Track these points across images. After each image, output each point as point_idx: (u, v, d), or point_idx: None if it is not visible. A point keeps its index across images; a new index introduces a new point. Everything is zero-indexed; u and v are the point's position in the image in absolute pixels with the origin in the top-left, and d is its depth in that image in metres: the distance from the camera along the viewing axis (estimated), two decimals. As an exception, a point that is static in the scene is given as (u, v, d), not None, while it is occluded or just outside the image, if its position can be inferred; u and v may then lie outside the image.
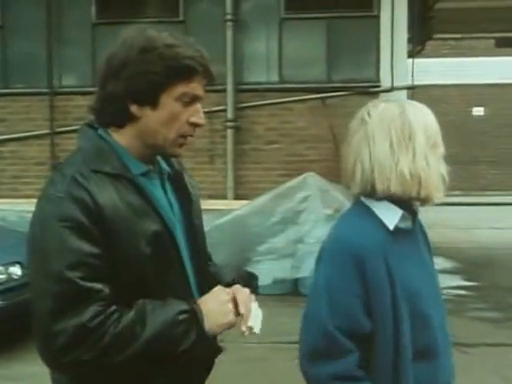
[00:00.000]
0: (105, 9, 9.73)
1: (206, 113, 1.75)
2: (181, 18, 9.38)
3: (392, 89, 8.91)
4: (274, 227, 8.17)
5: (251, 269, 8.12)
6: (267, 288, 8.04)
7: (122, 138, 1.69)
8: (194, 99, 1.67)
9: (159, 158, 1.79)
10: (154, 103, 1.63)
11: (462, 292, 8.58)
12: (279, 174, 8.95)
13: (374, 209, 1.79)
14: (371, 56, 9.10)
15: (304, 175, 8.36)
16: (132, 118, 1.66)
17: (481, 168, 21.25)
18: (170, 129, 1.66)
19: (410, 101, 1.82)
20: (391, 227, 1.77)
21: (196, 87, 1.66)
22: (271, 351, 6.05)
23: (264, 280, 8.01)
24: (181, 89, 1.64)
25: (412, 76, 10.42)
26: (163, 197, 1.74)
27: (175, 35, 1.67)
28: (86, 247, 1.56)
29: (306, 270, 7.99)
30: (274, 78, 9.35)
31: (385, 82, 9.01)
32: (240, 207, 8.43)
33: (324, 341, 1.72)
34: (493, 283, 8.79)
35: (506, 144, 20.99)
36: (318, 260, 1.81)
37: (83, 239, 1.56)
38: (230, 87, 9.13)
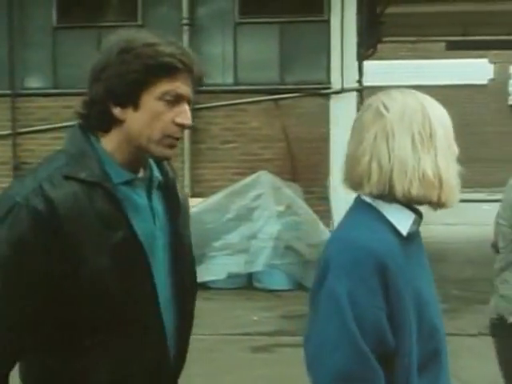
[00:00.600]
0: (65, 13, 9.79)
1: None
2: (139, 22, 9.46)
3: (342, 90, 9.11)
4: (229, 224, 8.34)
5: (207, 264, 8.28)
6: (222, 282, 8.21)
7: (109, 142, 1.62)
8: (179, 99, 1.58)
9: (153, 164, 1.71)
10: (135, 104, 1.57)
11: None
12: (234, 173, 9.10)
13: (385, 212, 1.58)
14: (322, 59, 9.29)
15: (257, 173, 8.53)
16: (116, 121, 1.59)
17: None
18: (153, 129, 1.58)
19: (423, 94, 1.62)
20: (404, 233, 1.57)
21: (180, 86, 1.57)
22: (224, 342, 6.21)
23: (219, 274, 8.18)
24: (162, 87, 1.56)
25: (361, 77, 10.67)
26: (146, 206, 1.65)
27: (157, 34, 1.60)
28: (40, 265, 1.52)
29: (260, 264, 8.19)
30: (229, 80, 9.52)
31: (335, 84, 9.19)
32: (196, 205, 8.57)
33: (359, 364, 1.48)
34: (442, 276, 9.05)
35: (461, 143, 21.30)
36: (325, 270, 1.54)
37: (35, 257, 1.50)
38: (186, 89, 9.27)
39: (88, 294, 1.54)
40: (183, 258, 1.74)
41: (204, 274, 8.20)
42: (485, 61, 21.68)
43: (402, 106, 1.55)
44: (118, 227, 1.56)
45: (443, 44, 15.83)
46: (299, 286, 8.06)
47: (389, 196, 1.55)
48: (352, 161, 1.61)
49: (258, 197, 8.41)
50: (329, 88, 9.22)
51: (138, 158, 1.64)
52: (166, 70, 1.56)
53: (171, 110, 1.58)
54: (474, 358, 5.47)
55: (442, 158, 1.55)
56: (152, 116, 1.57)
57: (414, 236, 1.62)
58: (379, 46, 18.66)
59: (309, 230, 8.38)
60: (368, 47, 11.03)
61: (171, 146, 1.62)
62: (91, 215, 1.53)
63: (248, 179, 8.51)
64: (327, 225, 8.98)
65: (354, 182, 1.61)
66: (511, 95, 22.66)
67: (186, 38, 9.32)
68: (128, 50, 1.56)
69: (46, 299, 1.53)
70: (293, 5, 9.40)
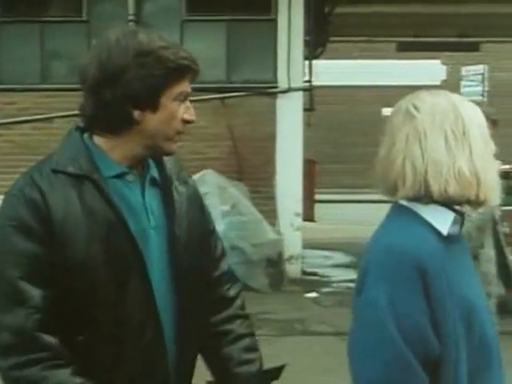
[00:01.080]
0: (10, 8, 9.52)
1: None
2: (84, 18, 9.29)
3: (289, 89, 9.03)
4: (173, 223, 8.19)
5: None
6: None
7: (109, 142, 1.64)
8: (186, 96, 1.66)
9: (151, 162, 1.73)
10: (155, 106, 1.60)
11: (354, 285, 8.81)
12: (181, 172, 8.95)
13: (422, 213, 1.54)
14: (269, 58, 9.21)
15: (202, 172, 8.38)
16: (132, 123, 1.62)
17: (392, 165, 21.72)
18: (170, 128, 1.63)
19: (454, 94, 1.62)
20: (445, 232, 1.53)
21: (187, 85, 1.65)
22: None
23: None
24: (178, 89, 1.62)
25: (311, 77, 10.60)
26: (139, 202, 1.67)
27: (161, 37, 1.65)
28: (30, 248, 1.54)
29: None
30: (176, 77, 9.35)
31: (282, 83, 9.12)
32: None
33: (400, 370, 1.44)
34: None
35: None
36: (365, 275, 1.52)
37: (28, 240, 1.54)
38: (131, 86, 9.09)
39: (79, 286, 1.55)
40: (181, 257, 1.70)
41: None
42: (438, 62, 21.92)
43: (432, 106, 1.53)
44: (107, 219, 1.58)
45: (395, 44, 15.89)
46: (244, 286, 7.91)
47: (425, 197, 1.51)
48: (385, 165, 1.56)
49: (204, 196, 8.21)
50: (275, 87, 9.16)
51: (142, 156, 1.68)
52: (184, 72, 1.63)
53: (180, 108, 1.65)
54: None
55: (478, 156, 1.51)
56: (170, 116, 1.63)
57: (456, 238, 1.58)
58: (335, 45, 18.68)
59: (254, 229, 8.32)
60: (316, 47, 10.96)
61: (175, 142, 1.69)
62: (79, 207, 1.57)
63: (193, 178, 8.34)
64: (273, 224, 8.93)
65: (388, 186, 1.57)
66: (463, 96, 22.87)
67: (131, 34, 9.13)
68: (146, 54, 1.59)
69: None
70: (240, 3, 9.30)
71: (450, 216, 1.54)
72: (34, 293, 1.53)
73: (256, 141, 9.06)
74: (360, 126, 20.64)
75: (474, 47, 15.35)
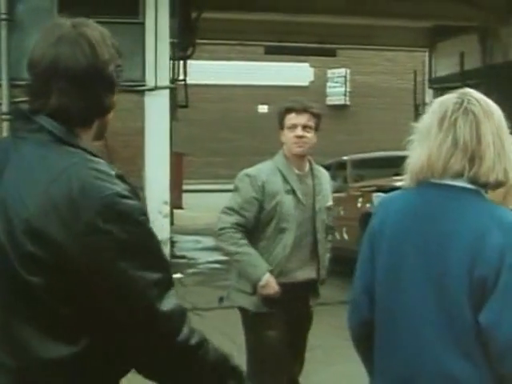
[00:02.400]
0: None
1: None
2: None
3: (155, 88, 9.34)
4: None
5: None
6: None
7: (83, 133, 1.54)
8: None
9: None
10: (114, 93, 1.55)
11: (217, 266, 9.27)
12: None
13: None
14: (138, 58, 9.42)
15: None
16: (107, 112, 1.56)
17: (266, 158, 22.48)
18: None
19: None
20: None
21: None
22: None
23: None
24: None
25: (183, 75, 10.97)
26: None
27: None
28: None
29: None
30: (49, 74, 9.44)
31: (150, 82, 9.41)
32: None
33: None
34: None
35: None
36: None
37: None
38: (4, 83, 9.13)
39: None
40: None
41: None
42: (306, 65, 22.83)
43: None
44: None
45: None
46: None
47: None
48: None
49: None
50: (143, 85, 9.41)
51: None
52: None
53: None
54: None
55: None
56: None
57: None
58: (213, 47, 19.12)
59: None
60: (184, 48, 11.32)
61: None
62: None
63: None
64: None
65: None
66: (329, 96, 24.05)
67: (4, 33, 9.16)
68: (112, 45, 1.54)
69: None
70: (110, 6, 9.47)
71: None
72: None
73: (126, 135, 9.30)
74: (235, 122, 21.25)
75: (331, 53, 16.26)
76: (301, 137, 3.21)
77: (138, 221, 1.40)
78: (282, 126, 3.29)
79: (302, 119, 3.22)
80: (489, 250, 1.58)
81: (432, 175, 1.69)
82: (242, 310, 3.31)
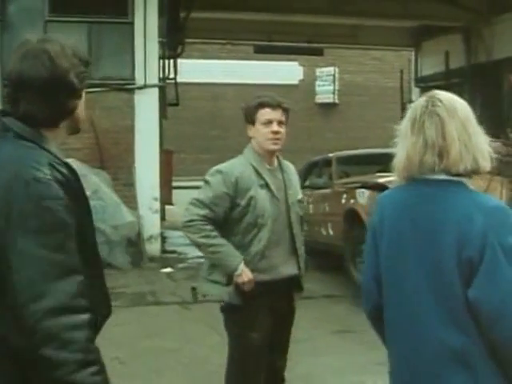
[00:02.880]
0: None
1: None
2: None
3: (145, 86, 9.41)
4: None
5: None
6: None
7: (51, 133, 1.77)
8: None
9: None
10: (80, 95, 1.79)
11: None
12: (45, 161, 9.08)
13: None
14: (127, 57, 9.52)
15: (65, 162, 8.60)
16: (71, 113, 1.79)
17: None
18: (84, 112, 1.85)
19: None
20: None
21: None
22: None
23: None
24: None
25: (174, 74, 11.02)
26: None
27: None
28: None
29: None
30: (40, 74, 9.48)
31: (139, 80, 9.48)
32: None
33: None
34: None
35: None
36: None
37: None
38: (-3, 82, 9.14)
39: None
40: None
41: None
42: (295, 64, 22.88)
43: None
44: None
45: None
46: (106, 264, 8.27)
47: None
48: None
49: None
50: (133, 84, 9.49)
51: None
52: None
53: None
54: None
55: None
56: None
57: None
58: (204, 47, 19.10)
59: (112, 212, 8.61)
60: (174, 47, 11.38)
61: None
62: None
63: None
64: (134, 208, 9.28)
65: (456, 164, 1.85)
66: (318, 94, 24.13)
67: (-4, 32, 9.19)
68: (75, 55, 1.81)
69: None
70: (100, 6, 9.55)
71: None
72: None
73: (116, 133, 9.39)
74: (225, 121, 21.28)
75: (319, 52, 16.35)
76: (277, 132, 3.15)
77: (42, 204, 1.62)
78: (252, 121, 3.19)
79: (277, 114, 3.16)
80: (473, 232, 1.77)
81: (412, 171, 1.90)
82: (224, 310, 3.25)
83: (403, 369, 1.92)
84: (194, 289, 3.36)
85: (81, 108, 1.81)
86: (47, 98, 1.71)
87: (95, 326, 1.69)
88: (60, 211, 1.63)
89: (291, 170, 3.39)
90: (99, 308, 1.79)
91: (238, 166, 3.20)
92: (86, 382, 1.55)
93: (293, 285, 3.34)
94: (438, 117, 1.86)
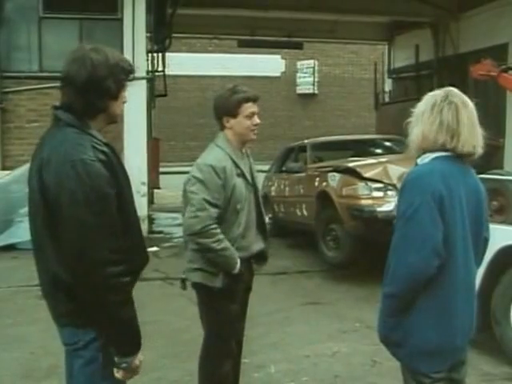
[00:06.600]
0: None
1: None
2: None
3: (133, 79, 9.35)
4: (32, 193, 8.38)
5: (14, 228, 8.29)
6: (27, 243, 8.24)
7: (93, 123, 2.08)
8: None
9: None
10: (117, 97, 2.08)
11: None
12: (39, 148, 9.12)
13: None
14: (116, 51, 9.50)
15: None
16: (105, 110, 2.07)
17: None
18: (121, 108, 2.13)
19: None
20: None
21: None
22: (15, 293, 6.41)
23: (24, 237, 8.24)
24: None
25: (162, 67, 11.01)
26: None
27: (112, 50, 2.12)
28: None
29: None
30: (35, 67, 9.52)
31: (128, 73, 9.47)
32: (3, 177, 8.56)
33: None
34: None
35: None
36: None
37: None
38: (-5, 74, 9.18)
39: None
40: None
41: (12, 236, 8.26)
42: (278, 57, 22.88)
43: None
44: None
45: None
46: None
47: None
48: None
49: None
50: (122, 76, 9.47)
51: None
52: (132, 73, 2.16)
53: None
54: None
55: None
56: (122, 101, 2.14)
57: None
58: (193, 41, 19.01)
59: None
60: (161, 42, 11.38)
61: None
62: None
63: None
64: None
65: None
66: (299, 86, 24.17)
67: (-7, 28, 9.17)
68: (116, 65, 2.08)
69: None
70: (91, 4, 9.55)
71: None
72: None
73: (107, 122, 9.39)
74: (211, 110, 21.24)
75: (298, 46, 16.35)
76: (257, 124, 3.18)
77: (86, 181, 1.91)
78: (233, 114, 3.14)
79: (256, 107, 3.18)
80: (484, 198, 2.29)
81: (427, 147, 2.19)
82: (203, 287, 3.19)
83: (466, 308, 2.24)
84: (183, 280, 3.35)
85: (116, 105, 2.08)
86: (82, 96, 1.98)
87: (136, 272, 2.09)
88: (102, 186, 1.91)
89: (249, 154, 3.41)
90: (137, 257, 2.11)
91: (221, 158, 3.13)
92: (127, 315, 2.01)
93: (260, 259, 3.40)
94: (455, 105, 2.16)
